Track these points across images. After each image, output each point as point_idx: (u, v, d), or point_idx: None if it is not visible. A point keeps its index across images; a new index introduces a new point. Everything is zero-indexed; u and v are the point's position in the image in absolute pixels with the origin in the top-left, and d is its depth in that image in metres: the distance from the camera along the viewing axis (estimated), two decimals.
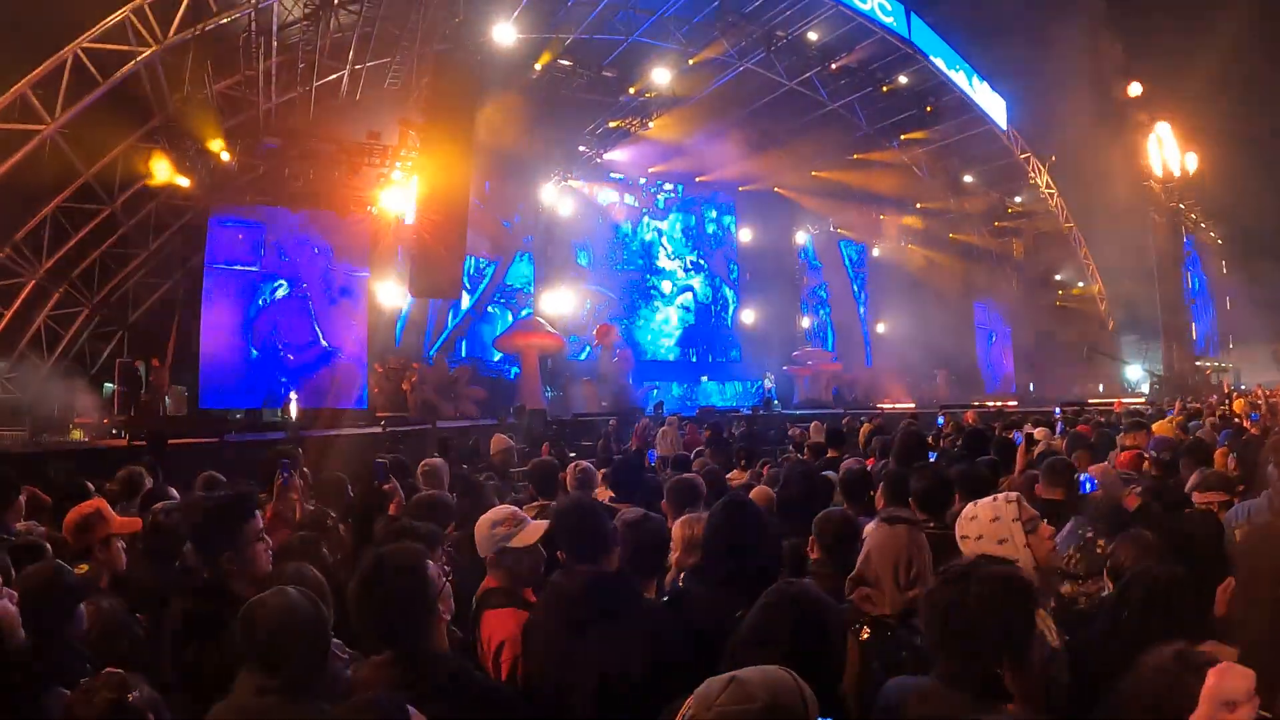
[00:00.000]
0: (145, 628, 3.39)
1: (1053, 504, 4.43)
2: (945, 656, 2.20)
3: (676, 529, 3.82)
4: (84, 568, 3.58)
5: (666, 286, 29.41)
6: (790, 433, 12.07)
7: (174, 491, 5.38)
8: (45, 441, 13.09)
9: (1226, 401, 16.34)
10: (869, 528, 3.32)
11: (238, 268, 18.92)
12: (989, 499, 3.05)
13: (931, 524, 3.93)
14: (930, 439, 10.46)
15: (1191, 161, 30.81)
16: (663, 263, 29.42)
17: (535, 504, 5.01)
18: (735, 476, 7.29)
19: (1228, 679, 1.62)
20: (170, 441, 10.68)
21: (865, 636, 2.85)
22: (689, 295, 29.96)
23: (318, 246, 19.81)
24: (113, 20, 13.50)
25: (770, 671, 1.78)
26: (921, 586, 2.81)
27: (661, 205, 29.44)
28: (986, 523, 2.96)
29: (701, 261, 30.27)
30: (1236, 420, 11.76)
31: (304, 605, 2.40)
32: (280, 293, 19.45)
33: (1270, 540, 3.10)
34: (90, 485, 4.90)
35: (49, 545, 3.83)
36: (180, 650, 2.94)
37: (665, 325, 29.32)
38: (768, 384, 28.15)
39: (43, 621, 2.73)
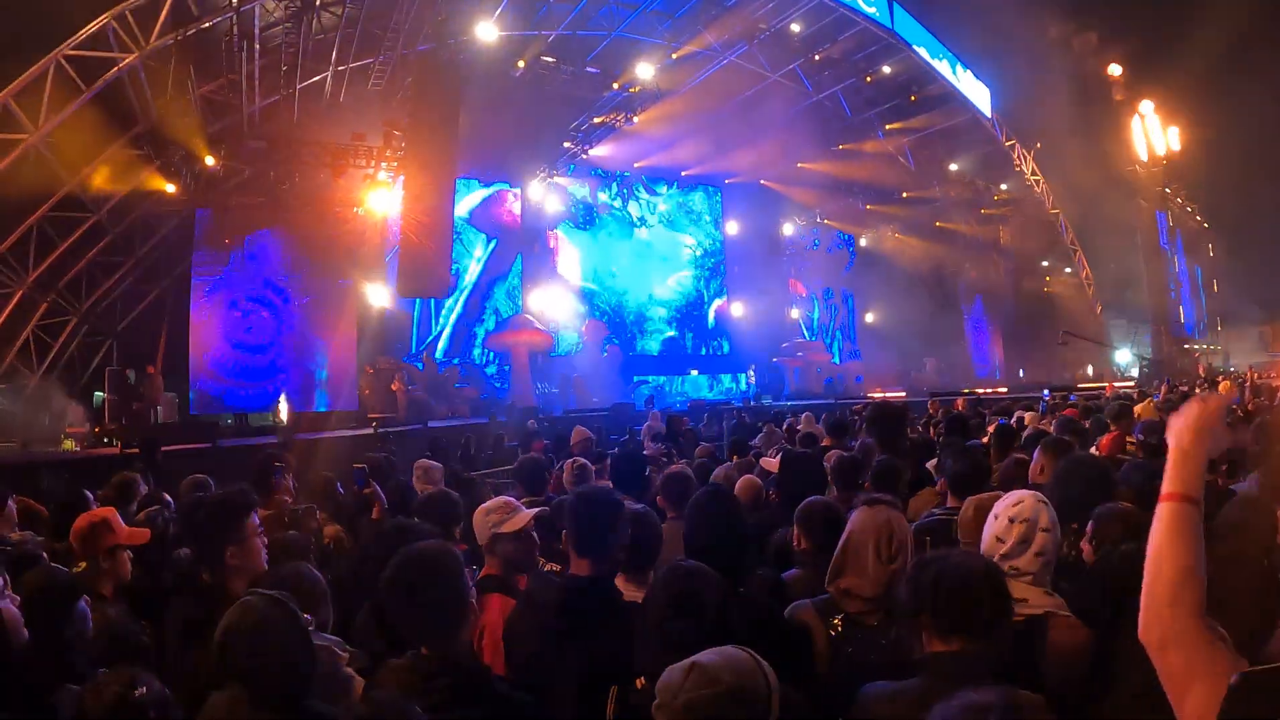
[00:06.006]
0: (149, 633, 3.41)
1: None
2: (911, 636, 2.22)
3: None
4: (82, 565, 3.60)
5: (654, 281, 29.38)
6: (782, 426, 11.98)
7: (168, 497, 5.38)
8: (37, 453, 13.02)
9: (1209, 384, 16.43)
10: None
11: (224, 271, 18.87)
12: (1019, 495, 2.88)
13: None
14: (922, 425, 10.61)
15: (1175, 137, 30.82)
16: (650, 258, 29.39)
17: (526, 499, 5.04)
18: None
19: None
20: (162, 448, 10.66)
21: (837, 631, 2.80)
22: (677, 289, 29.93)
23: (304, 248, 19.74)
24: (95, 26, 13.38)
25: (729, 653, 1.79)
26: (903, 559, 2.80)
27: (647, 199, 29.41)
28: (995, 519, 2.84)
29: (689, 255, 30.24)
30: None
31: (276, 618, 2.31)
32: (269, 296, 19.39)
33: (1259, 513, 3.19)
34: (90, 495, 4.88)
35: (45, 555, 3.85)
36: (183, 653, 2.97)
37: (653, 320, 29.30)
38: (750, 377, 28.21)
39: (43, 622, 2.75)
